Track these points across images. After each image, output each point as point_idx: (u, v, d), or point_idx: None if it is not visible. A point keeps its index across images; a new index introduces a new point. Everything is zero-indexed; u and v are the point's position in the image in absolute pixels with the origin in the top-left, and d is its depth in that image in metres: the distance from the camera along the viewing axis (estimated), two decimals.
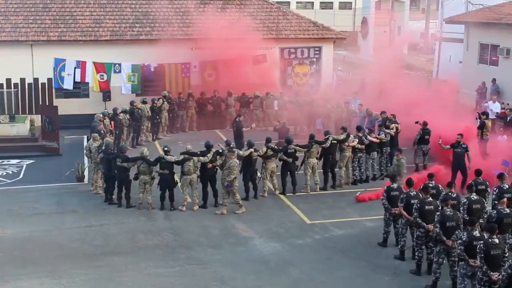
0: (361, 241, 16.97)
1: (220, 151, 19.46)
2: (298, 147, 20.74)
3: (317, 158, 21.01)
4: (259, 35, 30.67)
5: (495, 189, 15.96)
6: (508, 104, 28.12)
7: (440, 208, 14.42)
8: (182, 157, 19.15)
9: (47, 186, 21.61)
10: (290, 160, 20.47)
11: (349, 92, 29.28)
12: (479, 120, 22.74)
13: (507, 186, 15.87)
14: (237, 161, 18.83)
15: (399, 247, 15.76)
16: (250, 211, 19.07)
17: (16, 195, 20.80)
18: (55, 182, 21.98)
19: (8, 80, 29.16)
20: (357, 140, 21.43)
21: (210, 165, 19.28)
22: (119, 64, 30.24)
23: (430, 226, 14.23)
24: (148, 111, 27.22)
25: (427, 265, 14.74)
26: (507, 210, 14.18)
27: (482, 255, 12.18)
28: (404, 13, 52.77)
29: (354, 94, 28.33)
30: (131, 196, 19.41)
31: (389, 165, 22.24)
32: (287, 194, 20.52)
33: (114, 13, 31.51)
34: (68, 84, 29.94)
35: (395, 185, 16.10)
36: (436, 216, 13.95)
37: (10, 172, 23.36)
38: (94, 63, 29.98)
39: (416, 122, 22.83)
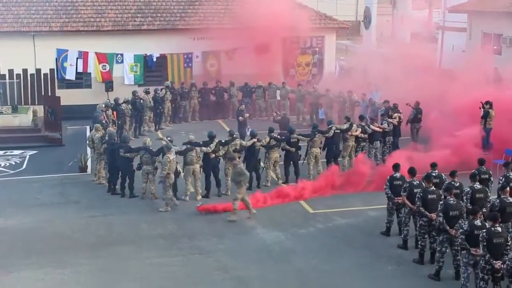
0: (364, 231, 16.98)
1: (164, 143, 18.83)
2: (301, 137, 20.72)
3: (320, 148, 21.01)
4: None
5: (501, 178, 15.90)
6: None
7: (443, 197, 14.41)
8: (184, 147, 19.15)
9: (50, 176, 21.63)
10: (293, 149, 20.45)
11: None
12: (482, 110, 22.63)
13: None
14: (170, 157, 18.30)
15: (402, 236, 15.75)
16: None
17: (19, 186, 20.84)
18: (58, 172, 22.01)
19: (11, 71, 29.08)
20: (360, 129, 21.42)
21: (212, 155, 19.29)
22: (121, 55, 30.24)
23: (433, 215, 14.22)
24: (150, 101, 27.20)
25: (430, 254, 14.74)
26: (510, 199, 14.12)
27: (485, 244, 12.18)
28: (407, 2, 52.47)
29: (374, 86, 27.32)
30: (134, 186, 19.42)
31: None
32: (290, 184, 20.50)
33: (116, 3, 31.42)
34: (70, 75, 29.93)
35: (398, 175, 16.05)
36: (439, 205, 13.93)
37: (13, 163, 23.38)
38: (96, 53, 29.98)
39: (407, 104, 23.46)
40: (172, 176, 18.39)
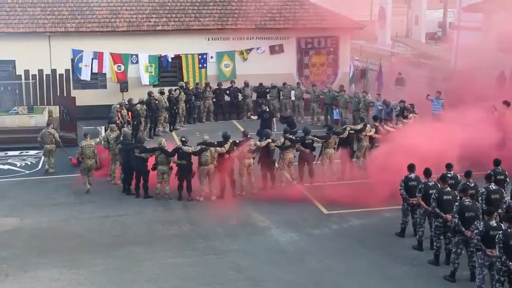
0: (379, 231, 16.91)
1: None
2: (316, 138, 20.67)
3: (334, 149, 20.95)
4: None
5: None
6: None
7: (458, 198, 14.33)
8: (199, 147, 19.18)
9: (65, 176, 21.73)
10: (308, 150, 20.40)
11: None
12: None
13: None
14: (82, 143, 20.29)
15: (417, 237, 15.70)
16: (267, 201, 19.03)
17: (35, 186, 20.96)
18: (73, 172, 22.03)
19: (26, 72, 29.31)
20: (374, 130, 21.35)
21: (227, 156, 19.30)
22: (136, 55, 30.33)
23: (448, 216, 14.16)
24: (165, 102, 27.25)
25: (445, 256, 14.68)
26: None
27: (501, 245, 12.10)
28: (422, 1, 52.32)
29: (437, 94, 26.14)
30: (149, 186, 19.46)
31: None
32: (304, 184, 20.45)
33: (131, 4, 31.52)
34: (85, 75, 30.06)
35: (412, 175, 15.99)
36: (454, 207, 13.86)
37: (29, 163, 23.52)
38: (111, 54, 30.09)
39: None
40: (88, 161, 20.02)
